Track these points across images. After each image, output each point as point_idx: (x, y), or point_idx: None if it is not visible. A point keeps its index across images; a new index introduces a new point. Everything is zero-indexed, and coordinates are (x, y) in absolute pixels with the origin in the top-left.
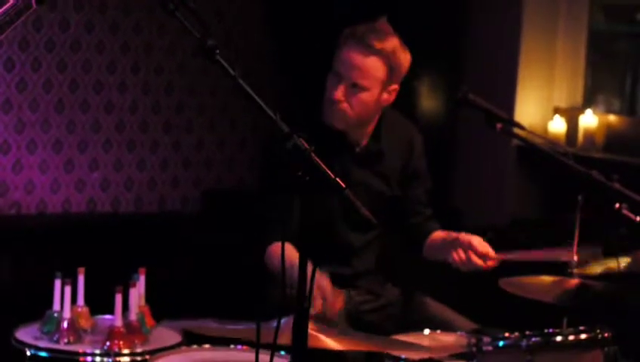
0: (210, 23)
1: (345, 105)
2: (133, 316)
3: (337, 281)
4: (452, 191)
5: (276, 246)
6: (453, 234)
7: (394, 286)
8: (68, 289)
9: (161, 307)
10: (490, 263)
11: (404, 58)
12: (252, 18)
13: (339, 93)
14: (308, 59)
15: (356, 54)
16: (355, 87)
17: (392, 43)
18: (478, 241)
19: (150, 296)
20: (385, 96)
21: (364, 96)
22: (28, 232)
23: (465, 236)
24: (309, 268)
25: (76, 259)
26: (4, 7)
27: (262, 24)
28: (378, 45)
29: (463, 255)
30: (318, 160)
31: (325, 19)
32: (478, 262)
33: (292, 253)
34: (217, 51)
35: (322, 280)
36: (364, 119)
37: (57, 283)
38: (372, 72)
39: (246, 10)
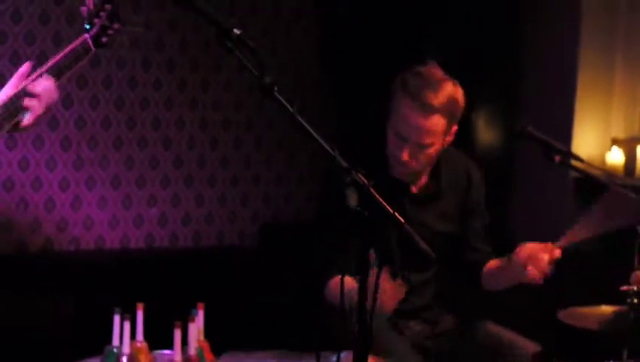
0: (265, 58)
1: (413, 163)
2: (192, 351)
3: (396, 314)
4: (510, 224)
5: (336, 280)
6: (506, 258)
7: (452, 315)
8: (127, 325)
9: (220, 341)
10: (556, 254)
11: (460, 98)
12: (307, 53)
13: (405, 155)
14: (363, 95)
15: (416, 117)
16: (420, 146)
17: (447, 91)
18: (530, 246)
19: (209, 331)
20: (447, 139)
21: (430, 150)
22: (87, 268)
23: (520, 250)
24: (373, 272)
25: (135, 294)
26: (64, 52)
27: (317, 59)
28: (435, 102)
29: (534, 265)
30: (376, 195)
31: (380, 55)
32: (546, 258)
33: (352, 286)
34: (275, 88)
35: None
36: (431, 165)
37: (116, 318)
38: (434, 130)
39: (301, 46)
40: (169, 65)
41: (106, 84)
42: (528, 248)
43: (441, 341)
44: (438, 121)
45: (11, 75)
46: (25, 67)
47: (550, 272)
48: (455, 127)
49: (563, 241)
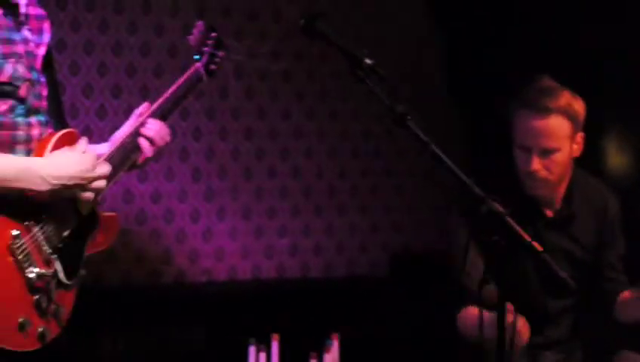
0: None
1: (543, 173)
2: None
3: (531, 347)
4: None
5: (469, 312)
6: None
7: (587, 347)
8: (263, 356)
9: None
10: None
11: (580, 106)
12: (434, 80)
13: (534, 164)
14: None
15: (536, 121)
16: (547, 153)
17: (564, 96)
18: None
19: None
20: (575, 147)
21: (558, 156)
22: (219, 299)
23: None
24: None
25: (267, 324)
26: (178, 83)
27: (444, 88)
28: (552, 105)
29: None
30: (513, 223)
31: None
32: None
33: (487, 319)
34: (408, 117)
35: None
36: (563, 177)
37: (252, 349)
38: (557, 132)
39: (429, 74)
40: (298, 96)
41: (234, 115)
42: None
43: None
44: (557, 122)
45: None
46: (142, 107)
47: None
48: (581, 135)
49: None
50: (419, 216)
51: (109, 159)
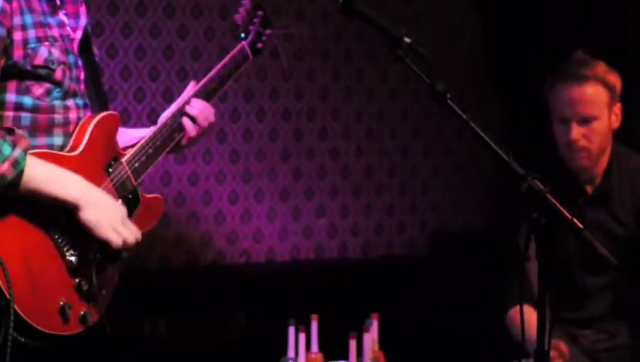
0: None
1: (583, 142)
2: (367, 361)
3: (571, 324)
4: None
5: (516, 311)
6: None
7: (630, 327)
8: (302, 336)
9: (393, 352)
10: None
11: (616, 79)
12: (472, 58)
13: (574, 133)
14: (530, 103)
15: (572, 89)
16: (585, 121)
17: (600, 66)
18: None
19: (383, 342)
20: (613, 117)
21: (597, 125)
22: (258, 280)
23: None
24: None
25: (306, 305)
26: (223, 61)
27: (482, 63)
28: (589, 72)
29: None
30: (554, 201)
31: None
32: None
33: (531, 318)
34: (448, 95)
35: None
36: (604, 148)
37: (291, 330)
38: (595, 99)
39: (467, 51)
40: (334, 75)
41: (272, 97)
42: None
43: (617, 355)
44: (595, 90)
45: (178, 91)
46: (190, 86)
47: None
48: (619, 107)
49: None
50: (457, 195)
51: (152, 139)
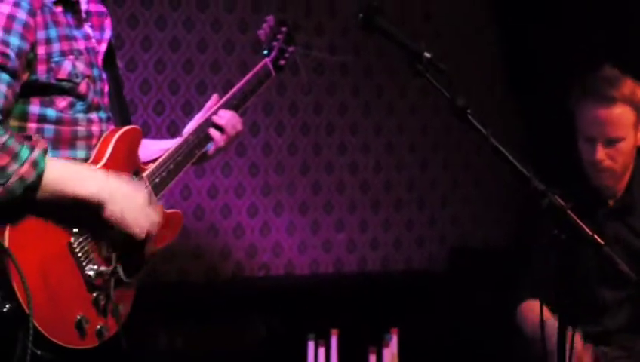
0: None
1: (608, 162)
2: None
3: (588, 339)
4: None
5: (527, 305)
6: None
7: None
8: (322, 351)
9: None
10: None
11: None
12: (493, 73)
13: (599, 154)
14: (549, 115)
15: (600, 111)
16: (611, 142)
17: (627, 85)
18: None
19: (403, 357)
20: (639, 135)
21: (623, 145)
22: (277, 293)
23: None
24: (569, 332)
25: (325, 319)
26: (247, 78)
27: (503, 79)
28: (615, 93)
29: None
30: (575, 217)
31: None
32: None
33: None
34: (469, 111)
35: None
36: (628, 166)
37: (311, 344)
38: (622, 121)
39: (486, 66)
40: (353, 91)
41: (291, 111)
42: None
43: None
44: (622, 111)
45: (197, 104)
46: (213, 100)
47: None
48: None
49: None
50: (475, 209)
51: (174, 154)
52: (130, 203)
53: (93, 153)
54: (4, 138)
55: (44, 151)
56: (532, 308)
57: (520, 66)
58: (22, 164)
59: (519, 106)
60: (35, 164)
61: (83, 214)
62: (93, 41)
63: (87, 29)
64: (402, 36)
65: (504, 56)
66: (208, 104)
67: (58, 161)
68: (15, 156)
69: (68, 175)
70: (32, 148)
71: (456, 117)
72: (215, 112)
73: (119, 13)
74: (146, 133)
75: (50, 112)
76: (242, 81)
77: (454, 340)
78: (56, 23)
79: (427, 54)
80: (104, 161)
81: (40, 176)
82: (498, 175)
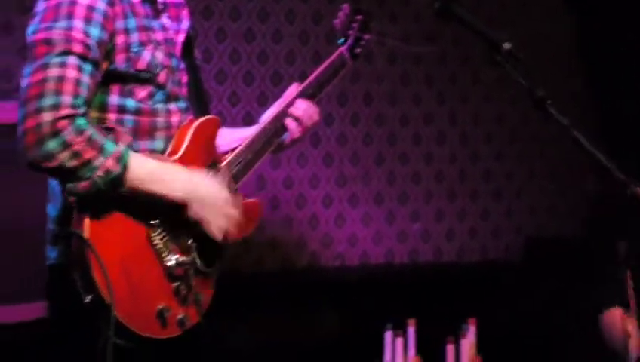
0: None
1: None
2: None
3: None
4: None
5: (612, 316)
6: None
7: None
8: (399, 341)
9: (491, 358)
10: None
11: None
12: (570, 64)
13: None
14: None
15: None
16: None
17: None
18: None
19: (481, 347)
20: None
21: None
22: (352, 283)
23: None
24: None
25: (401, 309)
26: (322, 67)
27: (580, 71)
28: None
29: None
30: None
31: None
32: None
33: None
34: (548, 101)
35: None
36: None
37: (388, 334)
38: None
39: (563, 57)
40: (427, 80)
41: (366, 101)
42: None
43: None
44: None
45: (272, 95)
46: (292, 88)
47: None
48: None
49: None
50: (553, 200)
51: (251, 144)
52: (213, 203)
53: (171, 144)
54: (90, 131)
55: (128, 146)
56: (617, 320)
57: (598, 58)
58: (107, 158)
59: (595, 99)
60: (120, 158)
61: (163, 208)
62: (171, 32)
63: (164, 19)
64: (481, 25)
65: (580, 44)
66: (287, 92)
67: (141, 156)
68: (101, 149)
69: (156, 176)
70: (116, 142)
71: (535, 107)
72: (292, 103)
73: (193, 5)
74: (221, 124)
75: (130, 103)
76: (318, 70)
77: (530, 330)
78: (135, 14)
79: (507, 45)
80: (182, 151)
81: (124, 170)
82: (574, 166)
